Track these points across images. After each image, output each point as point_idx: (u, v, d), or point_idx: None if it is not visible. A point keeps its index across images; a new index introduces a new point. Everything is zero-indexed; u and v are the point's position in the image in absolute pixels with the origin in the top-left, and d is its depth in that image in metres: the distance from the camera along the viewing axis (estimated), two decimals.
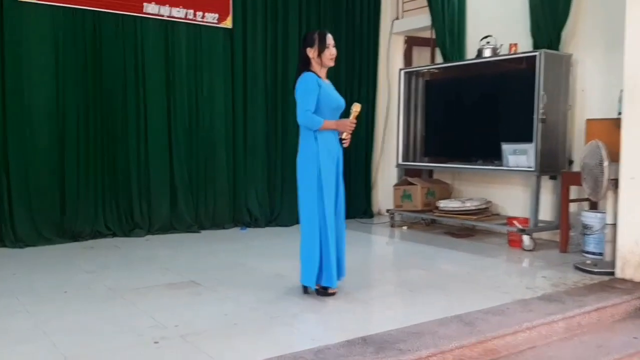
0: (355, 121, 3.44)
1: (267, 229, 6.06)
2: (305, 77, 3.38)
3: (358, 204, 6.92)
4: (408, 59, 7.25)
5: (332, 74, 6.54)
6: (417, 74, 6.36)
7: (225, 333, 2.78)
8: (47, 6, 4.98)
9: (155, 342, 2.63)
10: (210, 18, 5.85)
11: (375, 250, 5.08)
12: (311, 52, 3.44)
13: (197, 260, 4.46)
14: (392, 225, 6.25)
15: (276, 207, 6.32)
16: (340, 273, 3.55)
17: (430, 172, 6.60)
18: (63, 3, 5.04)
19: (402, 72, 6.31)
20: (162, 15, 5.57)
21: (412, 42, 7.25)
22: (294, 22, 6.34)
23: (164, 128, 5.63)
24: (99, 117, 5.29)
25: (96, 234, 5.27)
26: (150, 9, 5.50)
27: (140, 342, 2.63)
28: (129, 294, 3.44)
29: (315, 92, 3.35)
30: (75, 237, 5.16)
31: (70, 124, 5.15)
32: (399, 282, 3.85)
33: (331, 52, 3.43)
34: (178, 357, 2.48)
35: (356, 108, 3.42)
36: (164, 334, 2.73)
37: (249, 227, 6.06)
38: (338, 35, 6.59)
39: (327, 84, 3.49)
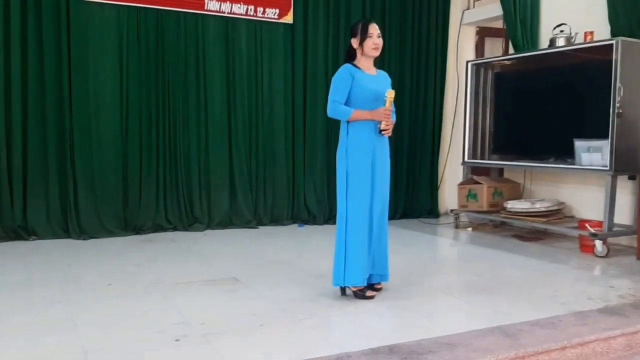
0: (391, 108, 3.24)
1: (325, 226, 5.96)
2: (340, 69, 3.31)
3: (423, 203, 6.68)
4: (480, 50, 6.90)
5: (396, 68, 6.43)
6: (486, 66, 6.02)
7: (247, 334, 2.71)
8: (112, 5, 5.15)
9: (176, 340, 2.60)
10: (271, 13, 5.83)
11: (432, 252, 4.84)
12: (355, 43, 3.33)
13: (246, 257, 4.44)
14: (457, 227, 5.96)
15: (334, 205, 6.17)
16: (379, 275, 3.42)
17: (500, 171, 6.24)
18: (127, 2, 5.18)
19: (470, 64, 5.99)
20: (223, 12, 5.61)
21: (484, 33, 6.89)
22: (357, 16, 6.17)
23: (224, 123, 5.67)
24: (161, 112, 5.41)
25: (157, 228, 5.40)
26: (212, 5, 5.55)
27: (161, 340, 2.61)
28: (166, 289, 3.46)
29: (345, 82, 3.25)
30: (137, 230, 5.31)
31: (133, 119, 5.30)
32: (446, 287, 3.62)
33: (374, 41, 3.27)
34: (193, 357, 2.44)
35: (390, 94, 3.23)
36: (187, 332, 2.70)
37: (307, 224, 5.99)
38: (404, 28, 6.43)
39: (369, 75, 3.33)
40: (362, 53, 3.32)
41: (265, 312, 3.02)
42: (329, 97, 3.29)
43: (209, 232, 5.49)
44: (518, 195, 5.79)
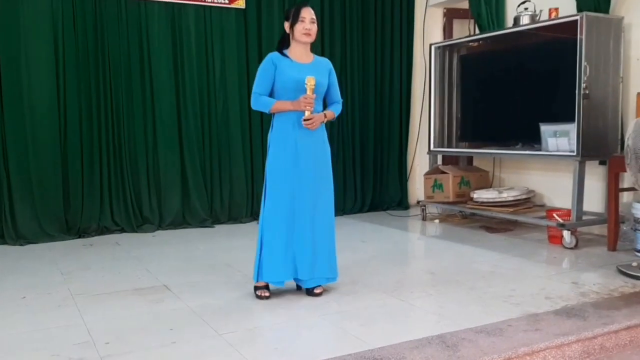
0: (312, 96, 2.96)
1: None
2: (265, 58, 3.06)
3: (392, 194, 6.39)
4: (448, 33, 6.56)
5: (359, 53, 6.10)
6: (451, 49, 5.71)
7: (155, 354, 2.40)
8: None
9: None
10: None
11: (390, 247, 4.50)
12: (287, 27, 3.07)
13: (190, 260, 4.13)
14: (424, 219, 5.66)
15: None
16: (323, 278, 3.15)
17: (470, 159, 5.94)
18: None
19: (434, 47, 5.68)
20: None
21: (451, 14, 6.56)
22: (315, 4, 5.85)
23: (174, 117, 5.33)
24: (102, 108, 5.06)
25: (103, 230, 5.08)
26: None
27: None
28: (85, 301, 3.14)
29: (267, 72, 3.03)
30: (81, 233, 4.98)
31: (72, 116, 4.95)
32: (394, 288, 3.31)
33: (305, 26, 3.00)
34: None
35: (309, 81, 2.94)
36: (85, 355, 2.38)
37: None
38: (366, 11, 6.09)
39: (298, 63, 3.05)
40: (293, 38, 3.05)
41: (184, 326, 2.71)
42: (253, 88, 3.07)
43: (160, 233, 5.17)
44: (487, 184, 5.50)
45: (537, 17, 4.74)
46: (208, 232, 5.20)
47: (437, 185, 5.44)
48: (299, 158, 3.03)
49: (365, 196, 6.28)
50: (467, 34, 6.21)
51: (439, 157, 6.16)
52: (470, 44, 5.54)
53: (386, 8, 6.24)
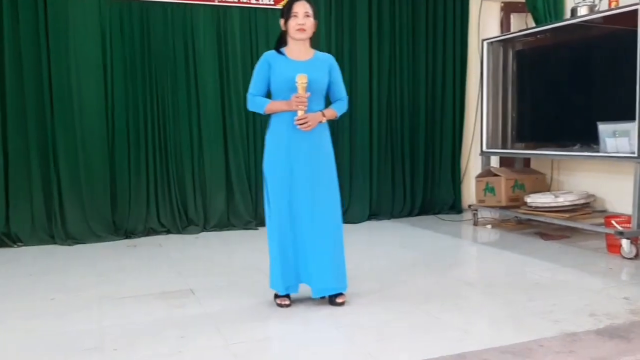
0: (305, 94, 2.82)
1: None
2: (260, 58, 2.99)
3: (445, 197, 6.14)
4: (506, 28, 6.23)
5: (409, 50, 5.88)
6: (506, 44, 5.39)
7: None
8: None
9: None
10: (266, 0, 5.44)
11: (430, 254, 4.25)
12: (282, 24, 2.97)
13: (225, 263, 4.10)
14: (475, 224, 5.38)
15: (344, 202, 5.75)
16: (328, 288, 2.99)
17: (527, 161, 5.60)
18: None
19: (486, 42, 5.38)
20: (213, 1, 5.26)
21: (510, 8, 6.22)
22: (362, 2, 5.70)
23: (219, 119, 5.33)
24: (148, 110, 5.13)
25: (150, 231, 5.14)
26: None
27: None
28: (110, 304, 3.15)
29: (261, 72, 2.95)
30: (128, 234, 5.07)
31: (119, 118, 5.04)
32: (423, 299, 3.11)
33: (298, 22, 2.88)
34: None
35: (300, 79, 2.80)
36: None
37: None
38: (417, 4, 5.85)
39: (295, 61, 2.93)
40: (289, 35, 2.95)
41: (196, 334, 2.65)
42: (248, 89, 3.01)
43: (204, 234, 5.18)
44: (543, 187, 5.15)
45: (596, 8, 4.38)
46: (250, 235, 5.17)
47: (489, 189, 5.15)
48: (292, 161, 2.91)
49: (415, 199, 6.05)
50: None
51: (496, 159, 5.86)
52: (526, 38, 5.20)
53: (438, 2, 5.99)
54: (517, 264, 3.90)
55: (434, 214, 6.02)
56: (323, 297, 3.07)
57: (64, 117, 4.87)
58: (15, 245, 4.75)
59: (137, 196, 5.13)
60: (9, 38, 4.69)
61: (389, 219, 5.84)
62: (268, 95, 3.02)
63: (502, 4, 6.21)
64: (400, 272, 3.71)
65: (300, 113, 2.83)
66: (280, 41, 3.02)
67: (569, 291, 3.22)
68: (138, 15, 5.05)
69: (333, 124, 5.53)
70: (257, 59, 5.32)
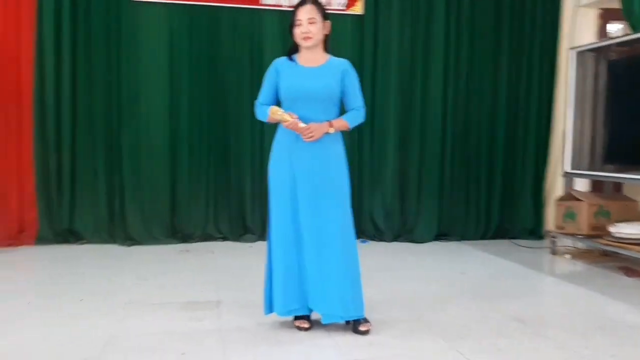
0: (289, 120, 2.63)
1: (394, 244, 5.21)
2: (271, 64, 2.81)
3: (525, 221, 5.62)
4: (603, 37, 5.62)
5: (490, 58, 5.44)
6: (598, 54, 4.82)
7: None
8: (162, 4, 4.96)
9: None
10: (337, 4, 5.26)
11: (484, 281, 3.78)
12: (292, 32, 2.79)
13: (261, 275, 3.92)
14: (553, 252, 4.84)
15: (409, 219, 5.43)
16: (324, 311, 2.72)
17: (617, 185, 4.98)
18: (177, 0, 4.97)
19: (574, 51, 4.85)
20: (281, 6, 5.16)
21: (609, 16, 5.60)
22: (439, 4, 5.36)
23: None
24: (213, 116, 5.11)
25: (207, 237, 5.11)
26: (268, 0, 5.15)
27: None
28: (133, 310, 3.08)
29: (269, 79, 2.78)
30: (185, 238, 5.06)
31: (183, 123, 5.05)
32: (456, 334, 2.74)
33: (301, 30, 2.70)
34: None
35: (272, 113, 2.68)
36: None
37: (373, 240, 5.29)
38: (500, 8, 5.42)
39: (305, 68, 2.74)
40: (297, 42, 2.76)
41: (199, 353, 2.49)
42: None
43: (259, 244, 5.03)
44: (632, 216, 4.53)
45: None
46: None
47: (569, 214, 4.61)
48: (295, 174, 2.70)
49: (490, 221, 5.58)
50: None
51: (584, 183, 5.28)
52: (620, 47, 4.62)
53: (526, 5, 5.51)
54: (586, 301, 3.41)
55: (511, 238, 5.51)
56: (348, 322, 2.81)
57: (129, 122, 4.95)
58: (78, 243, 4.88)
59: (196, 201, 5.11)
60: (82, 44, 4.85)
61: (458, 240, 5.42)
62: (279, 103, 2.81)
63: (600, 11, 5.60)
64: (446, 300, 3.36)
65: (301, 125, 2.61)
66: (293, 46, 2.83)
67: (636, 340, 2.73)
68: (206, 20, 5.05)
69: (400, 134, 5.33)
70: None
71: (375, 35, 5.32)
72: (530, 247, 5.12)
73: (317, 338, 2.69)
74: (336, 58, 2.82)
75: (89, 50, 4.87)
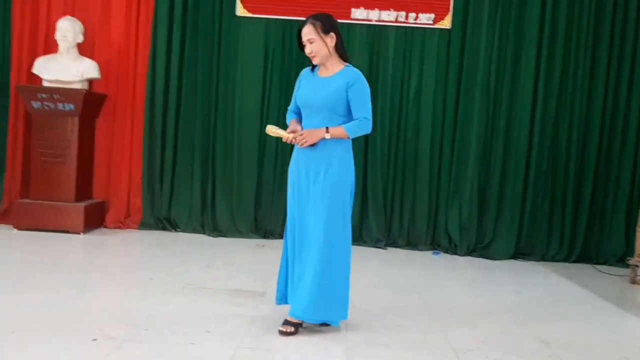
0: (287, 136, 2.88)
1: (467, 258, 5.21)
2: None
3: (613, 246, 5.35)
4: None
5: (582, 72, 5.25)
6: None
7: (160, 350, 2.58)
8: (261, 19, 5.41)
9: (94, 340, 2.63)
10: (425, 19, 5.37)
11: (532, 303, 3.70)
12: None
13: None
14: (632, 281, 4.57)
15: (486, 234, 5.38)
16: (294, 304, 2.90)
17: None
18: (275, 15, 5.39)
19: None
20: (370, 20, 5.39)
21: None
22: (531, 17, 5.27)
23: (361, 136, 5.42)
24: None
25: None
26: (358, 14, 5.40)
27: (79, 334, 2.68)
28: (188, 292, 3.51)
29: (295, 88, 3.00)
30: (267, 234, 5.47)
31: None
32: (464, 348, 2.81)
33: (306, 50, 2.89)
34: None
35: (269, 131, 2.93)
36: (117, 334, 2.70)
37: (447, 253, 5.32)
38: (600, 22, 5.24)
39: (319, 78, 2.94)
40: None
41: (224, 332, 2.83)
42: None
43: None
44: None
45: None
46: (375, 253, 5.16)
47: None
48: (300, 176, 2.91)
49: (574, 244, 5.37)
50: None
51: None
52: None
53: (629, 16, 5.23)
54: (630, 331, 3.26)
55: (597, 263, 5.26)
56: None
57: (224, 125, 5.47)
58: (174, 230, 5.48)
59: (278, 200, 5.47)
60: (189, 56, 5.44)
61: (538, 260, 5.28)
62: None
63: None
64: (480, 315, 3.40)
65: (293, 134, 2.86)
66: None
67: None
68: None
69: (482, 149, 5.31)
70: (409, 78, 5.38)
71: (461, 49, 5.36)
72: (613, 275, 4.87)
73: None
74: (350, 68, 2.92)
75: (195, 62, 5.45)
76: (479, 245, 5.35)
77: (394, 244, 5.45)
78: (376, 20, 5.40)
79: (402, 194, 5.46)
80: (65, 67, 5.11)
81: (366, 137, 5.40)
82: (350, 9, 5.39)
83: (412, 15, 5.37)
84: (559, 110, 5.32)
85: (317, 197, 2.84)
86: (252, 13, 5.40)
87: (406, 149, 5.44)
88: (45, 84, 5.13)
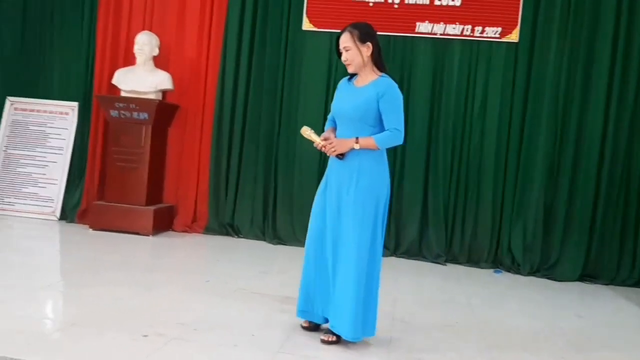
0: (320, 142, 2.95)
1: (530, 278, 5.04)
2: None
3: None
4: None
5: None
6: None
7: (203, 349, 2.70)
8: (325, 33, 5.52)
9: (144, 336, 2.78)
10: (492, 32, 5.29)
11: (591, 329, 3.56)
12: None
13: None
14: None
15: (552, 254, 5.18)
16: (345, 327, 2.85)
17: None
18: (338, 29, 5.45)
19: None
20: (435, 34, 5.37)
21: None
22: (604, 32, 5.06)
23: (423, 146, 5.39)
24: None
25: None
26: (423, 28, 5.39)
27: (131, 331, 2.83)
28: (237, 295, 3.65)
29: (334, 98, 3.04)
30: None
31: None
32: None
33: (342, 59, 2.94)
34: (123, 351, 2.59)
35: (303, 132, 3.02)
36: (164, 331, 2.85)
37: (509, 272, 5.17)
38: None
39: (353, 87, 2.97)
40: None
41: (268, 337, 2.92)
42: None
43: (390, 259, 5.25)
44: None
45: None
46: (433, 268, 5.10)
47: None
48: (327, 187, 2.94)
49: (637, 260, 5.08)
50: None
51: None
52: None
53: None
54: None
55: None
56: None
57: (287, 136, 5.60)
58: (236, 236, 5.67)
59: None
60: (256, 69, 5.63)
61: (607, 284, 5.03)
62: None
63: None
64: (523, 339, 3.30)
65: (324, 142, 2.92)
66: None
67: None
68: None
69: (549, 165, 5.14)
70: (474, 92, 5.34)
71: (529, 63, 5.22)
72: None
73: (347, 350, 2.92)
74: (384, 78, 2.91)
75: (261, 76, 5.63)
76: (543, 265, 5.17)
77: (455, 260, 5.36)
78: (441, 34, 5.37)
79: (464, 210, 5.36)
80: (141, 78, 5.43)
81: (428, 151, 5.42)
82: (415, 23, 5.39)
83: (478, 28, 5.31)
84: (633, 127, 5.07)
85: (348, 209, 2.83)
86: (318, 27, 5.52)
87: (470, 164, 5.35)
88: (122, 94, 5.48)
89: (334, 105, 3.01)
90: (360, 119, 2.86)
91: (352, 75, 3.02)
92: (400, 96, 2.89)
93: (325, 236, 2.94)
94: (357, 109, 2.86)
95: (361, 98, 2.86)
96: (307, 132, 2.98)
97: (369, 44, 2.89)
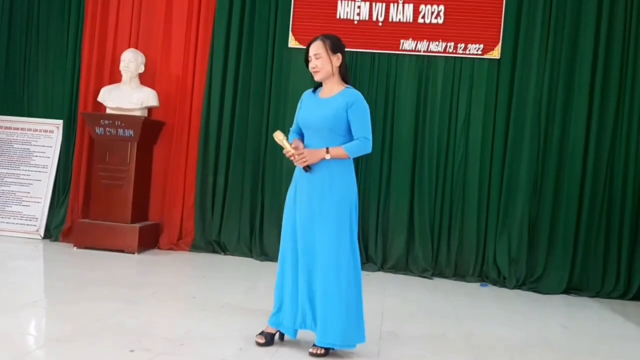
0: (289, 149, 2.90)
1: (516, 291, 5.06)
2: None
3: None
4: None
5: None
6: None
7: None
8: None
9: (131, 351, 2.75)
10: (474, 49, 5.38)
11: (573, 340, 3.61)
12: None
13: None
14: None
15: (537, 268, 5.22)
16: (333, 335, 2.85)
17: None
18: None
19: None
20: (419, 51, 5.46)
21: None
22: (585, 47, 5.17)
23: (409, 163, 5.43)
24: None
25: None
26: (407, 45, 5.47)
27: (115, 346, 2.81)
28: (226, 310, 3.63)
29: (297, 110, 3.07)
30: None
31: None
32: None
33: (310, 65, 2.97)
34: None
35: (276, 137, 2.94)
36: (152, 346, 2.82)
37: (495, 285, 5.20)
38: None
39: (318, 99, 2.99)
40: None
41: (252, 351, 2.89)
42: None
43: (378, 274, 5.27)
44: None
45: None
46: (421, 283, 5.10)
47: None
48: (296, 196, 2.95)
49: (632, 280, 5.12)
50: None
51: None
52: None
53: None
54: None
55: None
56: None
57: (273, 154, 5.58)
58: (223, 253, 5.64)
59: None
60: (242, 87, 5.65)
61: (592, 297, 5.07)
62: None
63: None
64: (509, 349, 3.31)
65: (293, 151, 2.90)
66: None
67: None
68: (351, 63, 5.54)
69: (533, 179, 5.21)
70: (457, 108, 5.43)
71: (511, 79, 5.31)
72: None
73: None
74: (350, 90, 2.97)
75: (247, 93, 5.65)
76: (529, 278, 5.20)
77: (441, 275, 5.38)
78: (425, 51, 5.45)
79: (449, 225, 5.40)
80: (127, 95, 5.43)
81: (413, 166, 5.47)
82: (399, 40, 5.48)
83: (460, 45, 5.40)
84: (614, 141, 5.17)
85: (324, 219, 2.86)
86: (304, 45, 5.56)
87: (454, 179, 5.40)
88: (108, 111, 5.47)
89: (301, 117, 3.03)
90: (330, 129, 2.89)
91: (316, 88, 3.07)
92: (367, 106, 2.95)
93: (298, 246, 2.94)
94: (327, 119, 2.89)
95: (330, 109, 2.90)
96: (279, 136, 2.94)
97: (339, 55, 2.94)
